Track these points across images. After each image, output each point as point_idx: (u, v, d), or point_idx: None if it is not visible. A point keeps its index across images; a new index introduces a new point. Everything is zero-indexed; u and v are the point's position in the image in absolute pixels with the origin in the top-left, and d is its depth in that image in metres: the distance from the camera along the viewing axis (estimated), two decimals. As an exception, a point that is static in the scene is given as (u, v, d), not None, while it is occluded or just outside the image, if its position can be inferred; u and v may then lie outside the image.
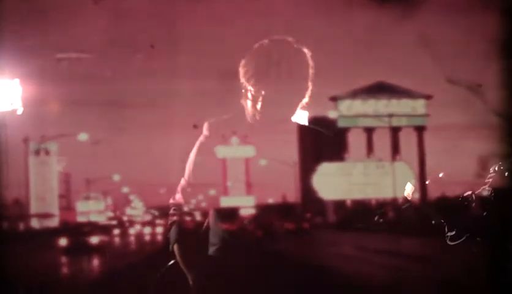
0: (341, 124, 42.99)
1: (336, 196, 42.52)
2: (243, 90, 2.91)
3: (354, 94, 43.12)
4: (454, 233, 2.82)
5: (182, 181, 2.92)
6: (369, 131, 43.77)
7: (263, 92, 2.86)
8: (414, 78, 45.24)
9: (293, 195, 46.48)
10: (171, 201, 2.90)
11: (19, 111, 16.12)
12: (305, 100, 2.91)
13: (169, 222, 2.87)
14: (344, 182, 41.98)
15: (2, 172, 24.53)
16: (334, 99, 42.65)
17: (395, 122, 42.78)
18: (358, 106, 43.17)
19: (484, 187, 2.66)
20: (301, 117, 2.91)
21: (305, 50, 2.91)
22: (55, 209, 45.23)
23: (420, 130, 43.85)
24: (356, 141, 44.09)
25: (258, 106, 2.87)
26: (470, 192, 2.71)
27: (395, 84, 43.13)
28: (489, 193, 2.65)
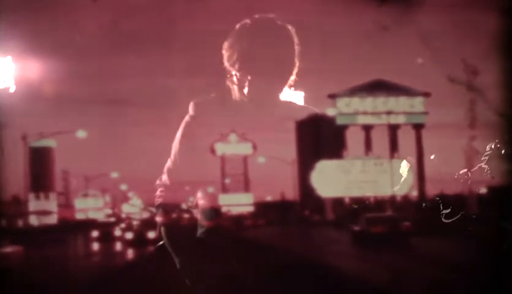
0: (339, 121, 43.01)
1: (334, 194, 42.54)
2: (228, 75, 2.84)
3: (353, 92, 43.14)
4: (449, 210, 2.81)
5: (168, 162, 2.90)
6: (367, 129, 43.80)
7: (249, 77, 2.79)
8: (413, 76, 45.23)
9: (291, 192, 46.52)
10: (158, 181, 2.89)
11: (12, 89, 15.88)
12: (293, 77, 2.84)
13: (156, 203, 2.87)
14: (342, 180, 41.99)
15: (1, 169, 24.51)
16: (333, 96, 42.65)
17: (393, 120, 42.81)
18: (357, 103, 43.19)
19: (480, 164, 2.65)
20: (292, 95, 2.85)
21: (289, 26, 2.81)
22: (53, 207, 45.23)
23: (418, 127, 43.88)
24: (354, 138, 44.15)
25: (245, 90, 2.81)
26: (465, 170, 2.70)
27: (394, 81, 43.18)
28: (486, 171, 2.65)
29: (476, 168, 2.64)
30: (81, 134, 39.49)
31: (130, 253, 28.08)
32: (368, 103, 43.15)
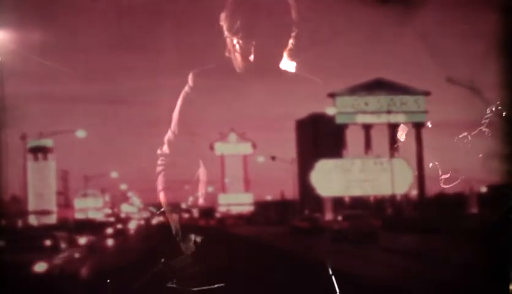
0: (339, 120, 43.00)
1: (334, 193, 42.53)
2: (230, 45, 2.81)
3: (353, 91, 43.12)
4: (448, 175, 2.78)
5: (169, 132, 2.92)
6: (367, 128, 43.79)
7: (254, 43, 2.76)
8: (414, 75, 45.22)
9: (291, 192, 46.50)
10: (159, 151, 2.92)
11: None
12: (291, 41, 2.82)
13: (157, 171, 2.90)
14: (342, 179, 41.98)
15: (0, 169, 24.50)
16: (332, 95, 42.62)
17: (393, 119, 42.79)
18: (356, 102, 43.17)
19: (480, 128, 2.61)
20: (288, 65, 2.82)
21: None
22: (53, 206, 45.24)
23: (418, 126, 43.87)
24: (354, 137, 44.14)
25: (251, 58, 2.77)
26: (465, 134, 2.66)
27: (394, 80, 43.17)
28: (487, 134, 2.60)
29: (476, 131, 2.59)
30: (80, 134, 39.44)
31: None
32: (368, 101, 43.14)
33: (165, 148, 2.94)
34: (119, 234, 32.17)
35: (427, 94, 43.33)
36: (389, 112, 42.29)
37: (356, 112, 43.23)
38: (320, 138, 43.36)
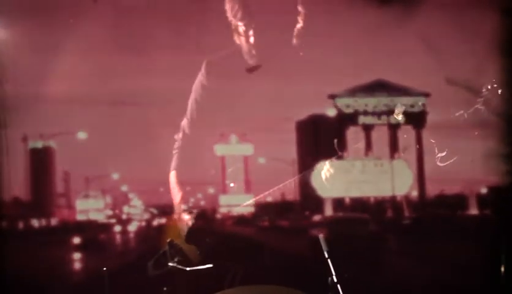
0: (339, 121, 43.00)
1: (334, 194, 42.53)
2: (233, 28, 2.77)
3: (353, 92, 43.14)
4: (444, 154, 2.77)
5: (184, 119, 2.94)
6: (368, 129, 43.80)
7: (253, 26, 2.71)
8: (414, 76, 45.24)
9: (291, 193, 46.50)
10: (175, 136, 2.96)
11: None
12: (301, 24, 2.77)
13: (174, 151, 2.96)
14: (342, 180, 41.98)
15: (1, 171, 24.50)
16: (333, 97, 42.64)
17: (393, 120, 42.79)
18: (357, 104, 43.20)
19: (480, 99, 2.61)
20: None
21: None
22: (54, 208, 45.25)
23: (419, 127, 43.86)
24: (354, 139, 44.12)
25: (251, 40, 2.73)
26: (461, 112, 2.66)
27: (395, 82, 43.19)
28: (483, 112, 2.60)
29: (472, 109, 2.59)
30: (81, 135, 39.47)
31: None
32: (368, 103, 43.17)
33: (180, 134, 2.98)
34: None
35: (427, 95, 43.35)
36: (389, 113, 42.32)
37: (356, 113, 43.26)
38: (320, 139, 43.36)
